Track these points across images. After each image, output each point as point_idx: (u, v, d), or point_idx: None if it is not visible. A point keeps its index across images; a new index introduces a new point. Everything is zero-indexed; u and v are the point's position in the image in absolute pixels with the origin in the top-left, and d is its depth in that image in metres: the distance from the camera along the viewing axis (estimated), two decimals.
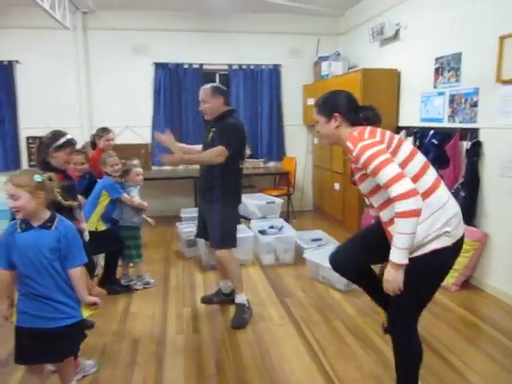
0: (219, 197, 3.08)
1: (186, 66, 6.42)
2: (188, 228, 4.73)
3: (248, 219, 5.36)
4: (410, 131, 4.68)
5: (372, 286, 2.30)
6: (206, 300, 3.55)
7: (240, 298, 3.27)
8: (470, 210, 3.73)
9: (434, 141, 4.14)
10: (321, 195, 6.65)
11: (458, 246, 1.91)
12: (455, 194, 3.77)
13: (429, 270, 1.85)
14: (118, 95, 6.27)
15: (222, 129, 3.06)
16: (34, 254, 1.97)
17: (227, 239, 3.17)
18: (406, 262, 1.77)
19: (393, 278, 1.80)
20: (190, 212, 5.45)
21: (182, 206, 5.77)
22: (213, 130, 3.14)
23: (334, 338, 2.96)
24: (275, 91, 6.71)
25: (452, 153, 3.90)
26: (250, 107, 6.69)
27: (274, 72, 6.67)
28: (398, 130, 4.94)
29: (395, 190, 1.72)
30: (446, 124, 4.16)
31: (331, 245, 4.46)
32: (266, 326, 3.13)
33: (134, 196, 3.75)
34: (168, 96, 6.42)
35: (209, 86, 3.16)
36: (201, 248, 4.36)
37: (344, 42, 6.65)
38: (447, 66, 4.12)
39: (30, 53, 6.03)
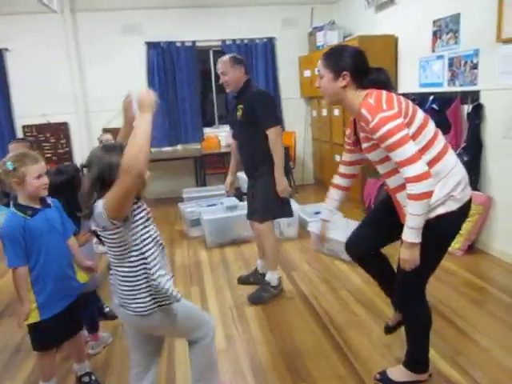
0: (269, 170, 2.96)
1: (178, 44, 6.31)
2: (190, 208, 4.73)
3: (235, 195, 5.34)
4: (409, 98, 4.60)
5: (385, 277, 2.27)
6: (243, 280, 3.46)
7: (270, 276, 3.18)
8: (473, 174, 3.70)
9: (434, 106, 4.08)
10: (321, 168, 6.62)
11: (464, 211, 1.89)
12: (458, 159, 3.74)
13: (434, 234, 1.82)
14: (112, 77, 6.17)
15: (257, 103, 2.90)
16: (53, 235, 2.01)
17: (269, 211, 3.07)
18: (419, 240, 1.77)
19: (409, 257, 1.80)
20: (192, 192, 5.45)
21: (183, 187, 5.76)
22: (240, 107, 2.98)
23: (341, 308, 2.98)
24: (270, 65, 6.61)
25: (453, 117, 3.85)
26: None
27: (269, 45, 6.55)
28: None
29: (409, 172, 1.70)
30: (445, 88, 4.10)
31: (335, 216, 4.45)
32: (274, 300, 3.15)
33: None
34: (162, 76, 6.32)
35: (227, 56, 3.03)
36: (205, 227, 4.36)
37: (338, 10, 6.50)
38: (445, 29, 4.02)
39: (19, 39, 5.93)
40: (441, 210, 1.82)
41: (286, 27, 6.60)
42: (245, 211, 4.46)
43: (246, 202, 4.88)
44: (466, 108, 3.78)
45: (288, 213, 3.18)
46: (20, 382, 2.39)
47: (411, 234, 1.76)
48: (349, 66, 1.85)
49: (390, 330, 2.38)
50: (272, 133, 2.89)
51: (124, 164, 1.40)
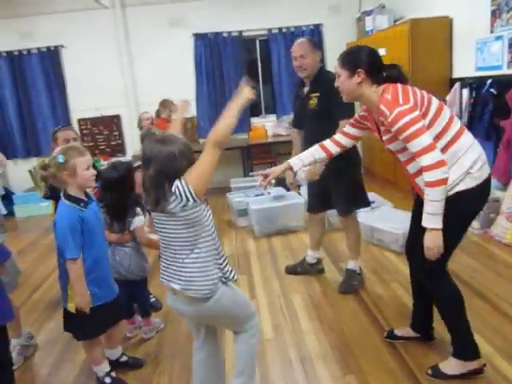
0: (345, 163, 2.83)
1: (225, 35, 6.34)
2: (238, 198, 4.77)
3: (298, 186, 5.32)
4: (465, 82, 4.38)
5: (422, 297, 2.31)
6: (291, 270, 3.44)
7: (352, 264, 3.16)
8: None
9: (493, 90, 3.87)
10: (371, 157, 6.46)
11: (483, 189, 1.94)
12: None
13: (454, 210, 1.86)
14: (161, 70, 6.31)
15: (332, 93, 2.65)
16: (99, 227, 2.12)
17: (355, 201, 3.05)
18: (440, 225, 1.84)
19: (433, 243, 1.87)
20: (240, 182, 5.49)
21: (231, 177, 5.81)
22: (315, 95, 2.87)
23: (391, 299, 2.91)
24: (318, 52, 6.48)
25: None
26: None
27: (316, 32, 6.43)
28: (451, 82, 4.64)
29: (425, 160, 1.80)
30: (505, 71, 3.87)
31: (384, 207, 4.35)
32: (323, 290, 3.13)
33: None
34: (209, 67, 6.38)
35: (305, 39, 2.93)
36: (252, 217, 4.38)
37: None
38: (505, 7, 3.78)
39: (73, 36, 6.18)
40: (460, 187, 1.89)
41: (332, 13, 6.46)
42: (292, 201, 4.47)
43: (292, 192, 4.89)
44: None
45: (368, 202, 3.12)
46: (80, 363, 2.52)
47: (431, 219, 1.85)
48: (363, 63, 1.98)
49: (392, 336, 2.44)
50: (343, 125, 2.71)
51: (215, 139, 1.60)
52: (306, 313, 2.85)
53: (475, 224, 3.92)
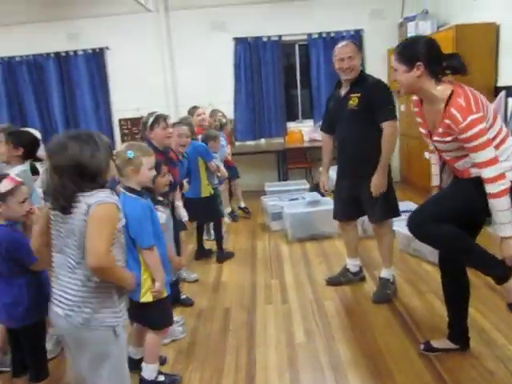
0: (374, 168, 2.82)
1: (265, 39, 6.38)
2: (273, 201, 4.78)
3: (333, 191, 5.28)
4: (511, 91, 4.24)
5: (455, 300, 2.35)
6: (335, 282, 3.32)
7: (386, 273, 3.10)
8: None
9: None
10: (408, 165, 6.34)
11: None
12: None
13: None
14: (200, 73, 6.41)
15: (377, 93, 2.78)
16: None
17: (392, 210, 3.01)
18: (511, 233, 1.87)
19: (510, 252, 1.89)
20: (275, 186, 5.50)
21: (266, 180, 5.83)
22: (356, 95, 2.83)
23: (427, 311, 2.85)
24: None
25: None
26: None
27: (356, 37, 6.37)
28: (496, 90, 4.51)
29: (489, 173, 1.85)
30: None
31: None
32: (356, 298, 3.10)
33: (218, 163, 3.98)
34: (248, 71, 6.44)
35: (349, 41, 2.93)
36: (286, 221, 4.38)
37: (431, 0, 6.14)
38: None
39: (118, 38, 6.37)
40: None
41: (374, 18, 6.39)
42: (327, 207, 4.44)
43: (327, 198, 4.85)
44: None
45: (397, 212, 3.06)
46: None
47: (503, 228, 1.87)
48: (421, 55, 1.92)
49: (429, 348, 2.38)
50: (389, 127, 2.75)
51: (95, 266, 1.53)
52: (338, 320, 2.83)
53: None
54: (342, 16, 6.34)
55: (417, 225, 2.09)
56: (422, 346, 2.42)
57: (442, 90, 1.94)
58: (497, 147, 1.90)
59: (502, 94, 4.33)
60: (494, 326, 2.55)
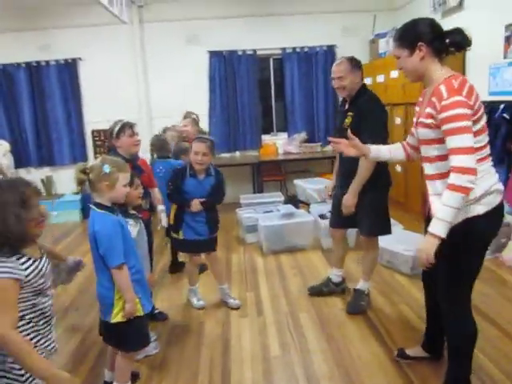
0: (373, 185, 2.81)
1: (239, 53, 6.43)
2: (248, 214, 4.78)
3: (307, 204, 5.33)
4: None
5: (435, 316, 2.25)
6: (316, 291, 3.34)
7: (363, 285, 3.11)
8: None
9: (506, 115, 3.87)
10: (405, 183, 6.43)
11: (497, 215, 1.84)
12: None
13: (464, 238, 1.80)
14: (175, 85, 6.40)
15: (365, 113, 2.73)
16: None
17: (378, 228, 2.99)
18: (443, 235, 1.73)
19: (426, 250, 1.76)
20: (249, 198, 5.50)
21: (241, 193, 5.82)
22: (350, 114, 2.83)
23: (400, 322, 2.88)
24: (330, 73, 6.54)
25: None
26: (304, 91, 6.59)
27: (329, 53, 6.51)
28: None
29: (459, 161, 1.69)
30: None
31: (394, 228, 4.32)
32: (330, 311, 3.10)
33: None
34: (223, 84, 6.47)
35: (345, 59, 2.87)
36: (261, 233, 4.38)
37: (402, 17, 6.31)
38: None
39: (91, 49, 6.30)
40: (475, 211, 1.79)
41: (346, 35, 6.53)
42: (301, 219, 4.48)
43: (302, 210, 4.90)
44: None
45: (389, 230, 3.05)
46: (84, 373, 2.51)
47: (438, 225, 1.73)
48: (422, 35, 1.82)
49: (402, 355, 2.42)
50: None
51: None
52: (314, 332, 2.83)
53: None
54: (315, 31, 6.46)
55: (447, 311, 2.01)
56: (395, 353, 2.46)
57: (442, 73, 1.83)
58: (477, 162, 1.73)
59: None
60: None
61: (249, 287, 3.60)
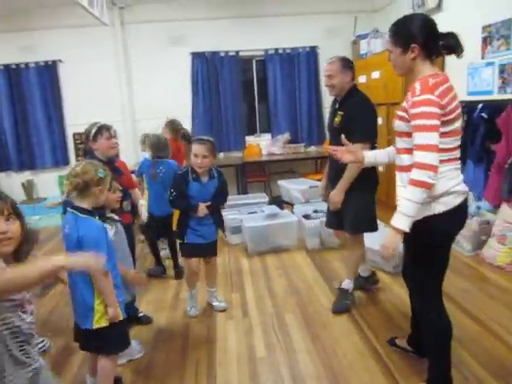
0: (361, 184, 2.85)
1: (222, 54, 6.43)
2: (232, 215, 4.77)
3: (291, 204, 5.35)
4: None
5: None
6: (360, 285, 3.33)
7: (347, 283, 3.13)
8: None
9: (484, 115, 3.95)
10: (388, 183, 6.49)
11: (453, 215, 1.88)
12: (509, 169, 3.60)
13: (425, 236, 1.86)
14: (158, 87, 6.37)
15: (354, 113, 2.78)
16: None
17: (361, 224, 3.01)
18: (406, 229, 1.78)
19: (391, 244, 1.82)
20: (233, 200, 5.49)
21: None
22: (340, 113, 2.87)
23: (384, 320, 2.91)
24: (313, 74, 6.61)
25: (504, 126, 3.70)
26: (287, 92, 6.62)
27: (311, 54, 6.55)
28: None
29: (420, 157, 1.74)
30: (496, 96, 3.96)
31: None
32: (316, 310, 3.12)
33: None
34: (206, 85, 6.46)
35: (336, 58, 2.89)
36: (246, 234, 4.38)
37: (382, 18, 6.40)
38: (496, 34, 3.89)
39: (72, 51, 6.22)
40: (435, 209, 1.84)
41: (328, 36, 6.59)
42: (285, 220, 4.49)
43: (286, 211, 4.92)
44: None
45: (375, 227, 3.07)
46: (68, 381, 2.48)
47: (401, 219, 1.78)
48: (417, 36, 1.83)
49: (392, 343, 2.53)
50: (355, 148, 2.65)
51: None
52: (299, 332, 2.84)
53: (467, 246, 3.95)
54: (298, 33, 6.50)
55: (420, 308, 2.10)
56: (388, 338, 2.59)
57: (426, 72, 1.85)
58: (441, 162, 1.79)
59: None
60: None
61: (234, 289, 3.60)
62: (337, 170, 2.97)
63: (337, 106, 2.98)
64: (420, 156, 1.74)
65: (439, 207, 1.85)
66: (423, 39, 1.83)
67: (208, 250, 3.10)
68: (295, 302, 3.26)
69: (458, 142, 1.89)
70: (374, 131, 2.86)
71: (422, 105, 1.74)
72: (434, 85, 1.77)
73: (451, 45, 1.86)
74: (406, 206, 1.77)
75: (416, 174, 1.74)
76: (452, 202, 1.86)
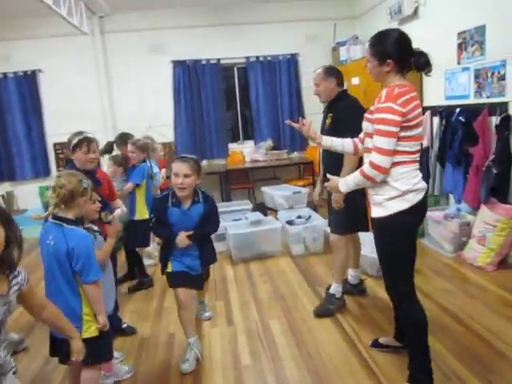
0: None
1: (203, 62, 6.45)
2: None
3: (275, 210, 5.36)
4: (436, 110, 4.56)
5: None
6: (347, 290, 3.31)
7: (333, 288, 3.13)
8: (503, 186, 3.61)
9: (461, 118, 4.02)
10: None
11: (416, 210, 2.06)
12: (487, 172, 3.67)
13: (394, 230, 2.07)
14: (139, 96, 6.35)
15: (342, 115, 2.88)
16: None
17: (340, 226, 3.04)
18: (343, 190, 2.18)
19: (332, 187, 2.25)
20: (218, 207, 5.47)
21: None
22: (330, 115, 3.00)
23: (368, 324, 2.92)
24: (294, 80, 6.66)
25: (481, 129, 3.78)
26: (269, 99, 6.66)
27: (292, 61, 6.61)
28: (422, 110, 4.79)
29: (375, 159, 1.98)
30: (472, 100, 4.04)
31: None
32: (300, 316, 3.12)
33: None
34: (188, 93, 6.45)
35: (320, 68, 3.06)
36: (230, 242, 4.38)
37: (361, 25, 6.52)
38: (471, 40, 3.98)
39: (52, 61, 6.18)
40: (401, 207, 2.02)
41: (309, 43, 6.66)
42: (270, 226, 4.50)
43: (270, 217, 4.93)
44: (494, 120, 3.71)
45: (363, 226, 3.09)
46: None
47: (344, 184, 2.16)
48: (393, 53, 2.03)
49: (376, 344, 2.58)
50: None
51: None
52: (284, 338, 2.84)
53: (448, 247, 4.01)
54: (278, 40, 6.55)
55: (396, 301, 2.22)
56: (370, 342, 2.61)
57: (396, 82, 2.04)
58: (397, 164, 2.00)
59: (428, 113, 4.63)
60: (431, 333, 2.66)
61: (218, 296, 3.58)
62: (325, 170, 3.02)
63: (327, 108, 3.10)
64: (374, 157, 1.98)
65: (405, 204, 2.03)
66: (398, 56, 2.03)
67: (194, 282, 2.71)
68: (280, 308, 3.26)
69: (419, 147, 2.10)
70: (360, 131, 2.91)
71: (384, 112, 1.95)
72: (398, 94, 1.96)
73: (421, 63, 2.06)
74: (352, 180, 2.11)
75: (368, 169, 2.01)
76: (415, 198, 2.04)
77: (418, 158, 2.11)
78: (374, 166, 1.98)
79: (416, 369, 2.13)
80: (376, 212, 2.12)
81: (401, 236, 2.08)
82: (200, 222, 2.63)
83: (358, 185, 2.10)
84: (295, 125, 2.48)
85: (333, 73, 3.02)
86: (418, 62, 2.06)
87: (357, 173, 2.08)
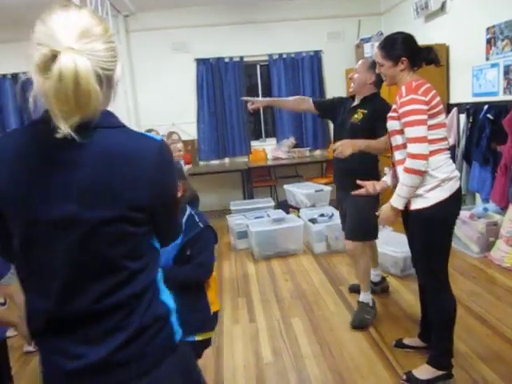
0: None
1: (226, 60, 6.46)
2: (238, 220, 4.78)
3: (297, 208, 5.35)
4: (463, 108, 4.46)
5: None
6: (354, 289, 3.32)
7: (363, 296, 2.99)
8: None
9: (489, 116, 3.93)
10: None
11: (455, 197, 2.09)
12: None
13: (433, 222, 2.08)
14: (163, 94, 6.40)
15: (382, 114, 2.57)
16: None
17: (359, 231, 2.91)
18: (400, 207, 2.11)
19: (385, 216, 2.19)
20: (239, 205, 5.51)
21: (230, 199, 5.83)
22: (362, 111, 2.87)
23: (392, 324, 2.89)
24: (317, 78, 6.61)
25: (510, 127, 3.68)
26: (292, 96, 6.61)
27: (315, 58, 6.56)
28: (449, 107, 4.72)
29: (412, 149, 2.01)
30: (501, 97, 3.94)
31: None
32: (322, 314, 3.11)
33: None
34: (211, 91, 6.48)
35: (367, 58, 3.05)
36: (252, 239, 4.39)
37: (386, 22, 6.43)
38: (500, 35, 3.88)
39: None
40: (441, 197, 2.05)
41: (332, 40, 6.59)
42: (292, 224, 4.50)
43: (292, 215, 4.92)
44: None
45: (375, 234, 3.03)
46: None
47: (397, 200, 2.10)
48: (405, 51, 2.14)
49: (400, 345, 2.57)
50: (383, 140, 2.64)
51: None
52: (306, 336, 2.83)
53: (475, 248, 3.92)
54: (301, 37, 6.51)
55: (429, 293, 2.23)
56: (394, 342, 2.60)
57: (409, 79, 2.13)
58: (432, 153, 2.03)
59: (454, 110, 4.54)
60: (457, 335, 2.62)
61: (240, 293, 3.60)
62: (341, 170, 3.00)
63: (356, 103, 2.96)
64: (411, 147, 2.01)
65: (445, 193, 2.05)
66: (410, 52, 2.15)
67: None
68: (302, 307, 3.26)
69: (445, 134, 2.13)
70: None
71: (409, 104, 2.02)
72: (417, 85, 2.06)
73: (431, 58, 2.18)
74: (401, 189, 2.07)
75: (409, 163, 2.02)
76: (454, 186, 2.08)
77: (448, 146, 2.15)
78: (413, 156, 2.00)
79: (439, 349, 2.20)
80: (416, 204, 2.09)
81: (443, 226, 2.12)
82: (179, 256, 1.81)
83: (408, 186, 2.04)
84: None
85: (375, 70, 2.85)
86: (428, 57, 2.17)
87: (400, 177, 2.08)
